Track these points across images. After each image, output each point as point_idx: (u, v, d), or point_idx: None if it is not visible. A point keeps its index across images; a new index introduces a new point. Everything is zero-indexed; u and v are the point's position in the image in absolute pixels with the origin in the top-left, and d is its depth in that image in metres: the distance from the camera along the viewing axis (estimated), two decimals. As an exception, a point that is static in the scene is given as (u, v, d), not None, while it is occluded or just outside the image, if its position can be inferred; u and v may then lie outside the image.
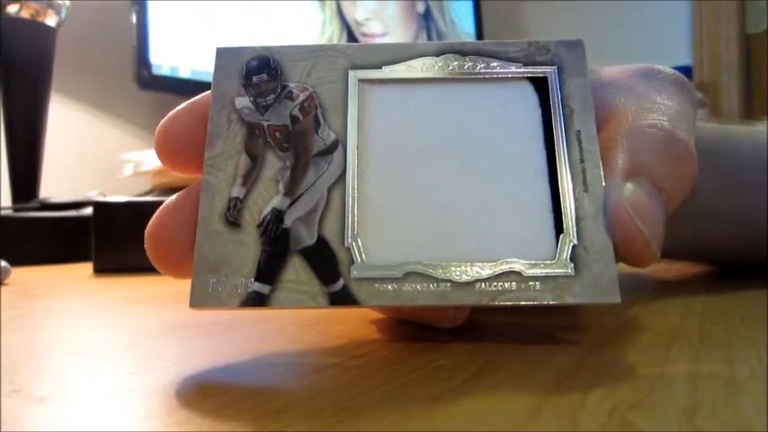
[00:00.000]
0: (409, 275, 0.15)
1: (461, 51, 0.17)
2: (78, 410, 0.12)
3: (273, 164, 0.16)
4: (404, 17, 1.10)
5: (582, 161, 0.16)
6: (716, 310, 0.21)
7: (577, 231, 0.15)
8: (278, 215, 0.15)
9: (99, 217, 0.39)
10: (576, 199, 0.15)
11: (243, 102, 0.16)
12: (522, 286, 0.15)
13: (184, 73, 0.80)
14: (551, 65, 0.17)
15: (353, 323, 0.20)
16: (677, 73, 0.21)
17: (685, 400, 0.11)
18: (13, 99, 0.59)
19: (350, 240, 0.15)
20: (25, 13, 0.58)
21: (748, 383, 0.12)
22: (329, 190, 0.15)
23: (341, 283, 0.14)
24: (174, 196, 0.16)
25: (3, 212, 0.49)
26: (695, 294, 0.24)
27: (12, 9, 0.57)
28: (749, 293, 0.24)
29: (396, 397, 0.12)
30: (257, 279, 0.15)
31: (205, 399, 0.12)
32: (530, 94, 0.17)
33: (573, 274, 0.15)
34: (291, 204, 0.15)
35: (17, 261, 0.40)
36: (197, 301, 0.15)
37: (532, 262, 0.15)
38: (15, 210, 0.53)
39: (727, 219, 0.28)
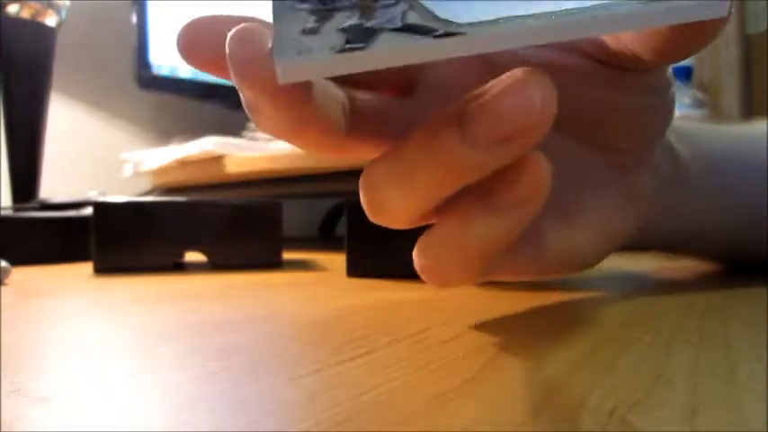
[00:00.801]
0: (508, 19, 0.13)
1: None
2: (78, 410, 0.12)
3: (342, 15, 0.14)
4: None
5: None
6: (716, 310, 0.21)
7: None
8: (358, 24, 0.13)
9: (99, 217, 0.39)
10: None
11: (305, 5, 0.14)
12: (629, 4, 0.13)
13: (184, 73, 0.80)
14: None
15: (354, 323, 0.20)
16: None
17: (685, 400, 0.11)
18: (13, 99, 0.59)
19: (442, 13, 0.13)
20: (25, 13, 0.58)
21: (748, 383, 0.12)
22: (404, 11, 0.13)
23: (441, 30, 0.13)
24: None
25: (3, 212, 0.49)
26: (695, 294, 0.24)
27: (12, 9, 0.57)
28: (749, 293, 0.24)
29: (396, 397, 0.12)
30: (349, 39, 0.13)
31: (205, 399, 0.12)
32: None
33: None
34: (371, 16, 0.13)
35: (17, 261, 0.40)
36: (283, 64, 0.12)
37: None
38: (15, 210, 0.53)
39: (726, 214, 0.28)
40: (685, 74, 1.00)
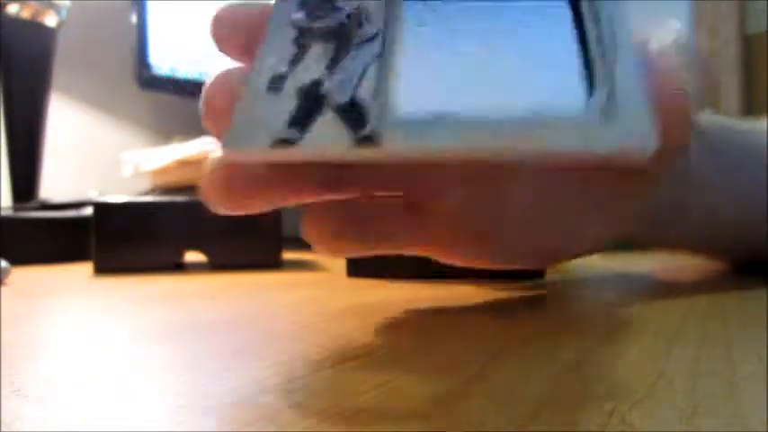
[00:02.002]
0: (437, 121, 0.15)
1: None
2: (78, 410, 0.12)
3: (317, 50, 0.17)
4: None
5: (614, 36, 0.16)
6: (716, 310, 0.21)
7: (608, 80, 0.15)
8: (316, 82, 0.16)
9: (99, 217, 0.39)
10: (604, 51, 0.15)
11: (298, 16, 0.18)
12: (553, 134, 0.14)
13: (184, 73, 0.80)
14: None
15: (354, 324, 0.20)
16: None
17: (685, 400, 0.11)
18: (13, 99, 0.59)
19: (382, 96, 0.15)
20: (25, 13, 0.58)
21: (748, 383, 0.12)
22: (366, 66, 0.16)
23: (368, 128, 0.15)
24: (229, 69, 0.19)
25: (3, 212, 0.49)
26: (695, 294, 0.24)
27: (12, 9, 0.57)
28: (749, 293, 0.24)
29: (396, 397, 0.12)
30: (290, 126, 0.15)
31: (205, 399, 0.12)
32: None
33: (606, 122, 0.14)
34: (330, 76, 0.16)
35: (17, 261, 0.40)
36: (230, 144, 0.15)
37: (563, 112, 0.14)
38: (15, 210, 0.53)
39: (728, 212, 0.28)
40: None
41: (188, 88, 0.80)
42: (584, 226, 0.24)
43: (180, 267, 0.40)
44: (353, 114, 0.15)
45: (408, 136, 0.14)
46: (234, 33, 0.19)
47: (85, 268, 0.41)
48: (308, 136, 0.15)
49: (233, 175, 0.17)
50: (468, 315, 0.22)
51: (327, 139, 0.15)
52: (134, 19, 0.76)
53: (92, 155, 0.86)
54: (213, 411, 0.11)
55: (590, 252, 0.26)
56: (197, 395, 0.13)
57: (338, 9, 0.18)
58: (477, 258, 0.23)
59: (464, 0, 0.17)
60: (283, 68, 0.17)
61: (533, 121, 0.14)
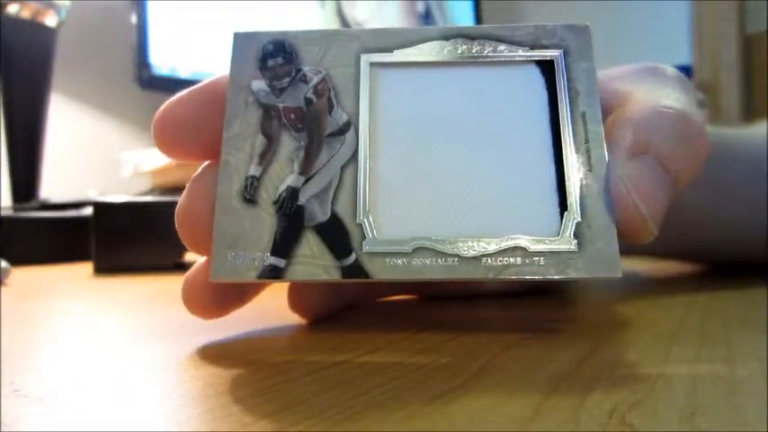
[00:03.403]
0: (418, 250, 0.15)
1: (470, 35, 0.17)
2: (78, 410, 0.12)
3: (288, 144, 0.16)
4: (403, 17, 1.10)
5: (587, 141, 0.16)
6: (716, 310, 0.21)
7: (581, 209, 0.15)
8: (293, 193, 0.16)
9: (99, 217, 0.39)
10: (580, 177, 0.16)
11: (259, 85, 0.17)
12: (527, 261, 0.15)
13: (184, 73, 0.80)
14: (558, 48, 0.17)
15: (353, 324, 0.20)
16: (680, 73, 0.22)
17: (685, 400, 0.11)
18: (13, 99, 0.59)
19: (361, 217, 0.16)
20: (25, 13, 0.58)
21: (748, 383, 0.12)
22: (342, 169, 0.16)
23: (353, 257, 0.15)
24: (197, 173, 0.17)
25: (3, 212, 0.49)
26: (695, 294, 0.24)
27: (12, 9, 0.57)
28: (749, 293, 0.24)
29: (396, 397, 0.12)
30: (273, 253, 0.15)
31: (205, 399, 0.12)
32: (536, 77, 0.17)
33: (576, 250, 0.15)
34: (306, 182, 0.16)
35: (17, 261, 0.40)
36: (217, 274, 0.15)
37: (537, 238, 0.15)
38: (15, 210, 0.53)
39: (713, 220, 0.28)
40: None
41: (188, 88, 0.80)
42: None
43: (180, 267, 0.40)
44: (335, 234, 0.15)
45: (392, 268, 0.15)
46: (182, 134, 0.17)
47: (85, 268, 0.41)
48: (293, 265, 0.15)
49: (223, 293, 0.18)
50: (467, 314, 0.22)
51: (313, 269, 0.15)
52: (134, 19, 0.75)
53: (92, 155, 0.86)
54: (213, 412, 0.11)
55: None
56: (197, 395, 0.13)
57: (303, 76, 0.17)
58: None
59: (435, 71, 0.17)
60: (254, 170, 0.16)
61: (510, 250, 0.15)
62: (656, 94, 0.19)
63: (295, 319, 0.20)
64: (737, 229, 0.28)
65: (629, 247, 0.28)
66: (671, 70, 0.21)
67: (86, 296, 0.28)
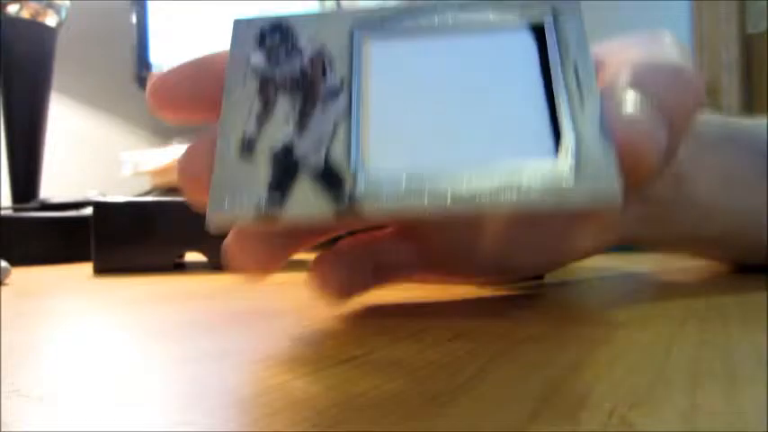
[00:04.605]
0: (412, 189, 0.15)
1: (460, 4, 0.18)
2: (78, 410, 0.12)
3: (284, 106, 0.17)
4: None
5: (579, 86, 0.16)
6: (716, 311, 0.21)
7: (576, 143, 0.15)
8: (288, 146, 0.16)
9: (99, 217, 0.39)
10: (574, 115, 0.16)
11: (257, 59, 0.18)
12: (523, 193, 0.15)
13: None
14: (546, 8, 0.18)
15: (353, 323, 0.20)
16: (677, 39, 0.22)
17: (685, 400, 0.11)
18: (13, 99, 0.59)
19: (354, 163, 0.16)
20: (25, 13, 0.58)
21: (748, 383, 0.12)
22: (335, 124, 0.17)
23: (347, 200, 0.15)
24: (198, 137, 0.18)
25: (3, 212, 0.49)
26: (695, 294, 0.24)
27: (12, 9, 0.57)
28: (749, 293, 0.24)
29: (396, 397, 0.12)
30: (269, 199, 0.16)
31: (205, 399, 0.12)
32: (526, 37, 0.18)
33: (573, 181, 0.15)
34: (300, 138, 0.17)
35: (17, 261, 0.40)
36: (213, 217, 0.16)
37: (532, 170, 0.15)
38: (15, 210, 0.53)
39: (725, 210, 0.28)
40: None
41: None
42: (573, 239, 0.25)
43: (180, 267, 0.40)
44: (330, 180, 0.16)
45: (386, 203, 0.15)
46: (177, 99, 0.19)
47: (85, 268, 0.41)
48: (288, 208, 0.16)
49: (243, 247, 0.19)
50: (467, 314, 0.22)
51: (308, 210, 0.15)
52: (134, 19, 0.76)
53: (92, 155, 0.86)
54: (213, 412, 0.11)
55: (588, 256, 0.27)
56: (197, 395, 0.13)
57: (299, 50, 0.18)
58: (467, 274, 0.24)
59: (427, 39, 0.18)
60: (251, 130, 0.17)
61: (505, 181, 0.15)
62: (650, 47, 0.20)
63: (295, 319, 0.20)
64: (750, 219, 0.28)
65: (641, 239, 0.28)
66: (668, 35, 0.21)
67: (86, 296, 0.28)
